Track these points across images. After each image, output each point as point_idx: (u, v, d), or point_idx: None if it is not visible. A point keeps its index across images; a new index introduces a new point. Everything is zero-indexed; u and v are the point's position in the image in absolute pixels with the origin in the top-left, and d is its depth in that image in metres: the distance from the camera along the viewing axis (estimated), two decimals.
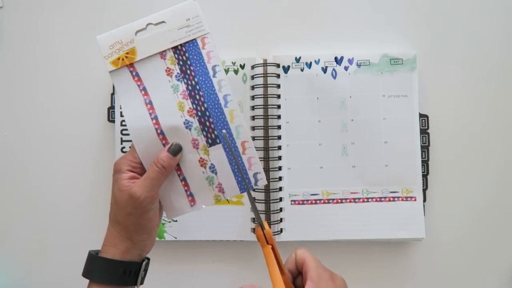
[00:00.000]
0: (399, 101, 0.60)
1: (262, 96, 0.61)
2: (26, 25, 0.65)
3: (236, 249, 0.63)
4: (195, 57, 0.43)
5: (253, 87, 0.61)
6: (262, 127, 0.61)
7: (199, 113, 0.43)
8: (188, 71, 0.43)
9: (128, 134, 0.61)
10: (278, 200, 0.60)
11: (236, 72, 0.61)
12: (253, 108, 0.61)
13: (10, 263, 0.65)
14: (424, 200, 0.61)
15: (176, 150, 0.43)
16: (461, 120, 0.63)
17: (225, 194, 0.44)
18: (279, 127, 0.61)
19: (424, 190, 0.61)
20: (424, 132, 0.61)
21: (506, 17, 0.63)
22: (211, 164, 0.44)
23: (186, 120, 0.43)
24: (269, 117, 0.61)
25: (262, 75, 0.61)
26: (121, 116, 0.61)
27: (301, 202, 0.60)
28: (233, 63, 0.61)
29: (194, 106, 0.43)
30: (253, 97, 0.61)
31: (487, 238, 0.62)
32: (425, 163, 0.61)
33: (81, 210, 0.64)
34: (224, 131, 0.43)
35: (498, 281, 0.62)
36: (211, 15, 0.63)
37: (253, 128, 0.61)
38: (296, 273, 0.43)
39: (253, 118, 0.61)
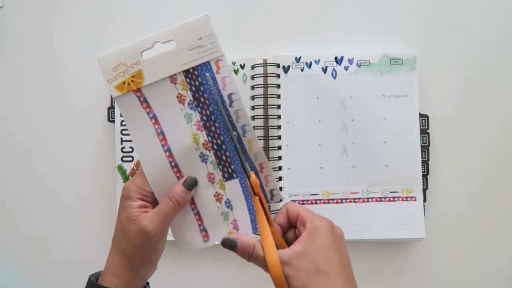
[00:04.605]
0: (399, 101, 0.60)
1: (262, 96, 0.61)
2: (26, 25, 0.65)
3: None
4: (208, 82, 0.39)
5: (253, 87, 0.61)
6: (262, 127, 0.61)
7: (215, 146, 0.40)
8: (202, 99, 0.40)
9: (128, 134, 0.61)
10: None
11: (236, 72, 0.61)
12: (253, 108, 0.61)
13: (10, 263, 0.65)
14: (424, 200, 0.61)
15: (191, 185, 0.40)
16: (461, 120, 0.63)
17: (240, 231, 0.41)
18: (279, 127, 0.61)
19: (424, 190, 0.61)
20: (424, 132, 0.61)
21: (506, 17, 0.63)
22: (227, 199, 0.41)
23: (201, 153, 0.40)
24: (269, 117, 0.61)
25: (262, 75, 0.61)
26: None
27: (301, 202, 0.60)
28: (233, 63, 0.61)
29: (210, 138, 0.40)
30: (253, 97, 0.61)
31: (487, 238, 0.62)
32: (425, 163, 0.61)
33: (81, 210, 0.64)
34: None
35: (498, 281, 0.62)
36: (210, 15, 0.64)
37: (253, 128, 0.61)
38: (286, 227, 0.42)
39: (253, 118, 0.61)
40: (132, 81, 0.39)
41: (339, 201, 0.60)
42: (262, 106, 0.61)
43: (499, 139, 0.62)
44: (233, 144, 0.40)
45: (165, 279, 0.63)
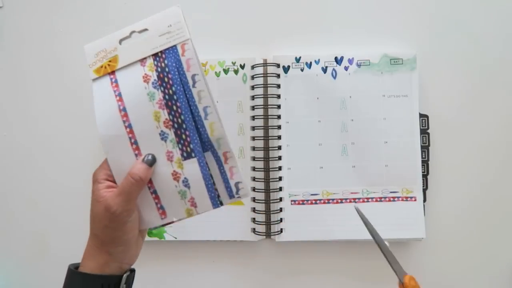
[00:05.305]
0: (399, 101, 0.60)
1: (262, 96, 0.61)
2: (26, 25, 0.65)
3: (236, 249, 0.63)
4: (173, 64, 0.41)
5: (253, 87, 0.61)
6: (262, 127, 0.61)
7: (176, 125, 0.42)
8: (166, 79, 0.41)
9: None
10: (278, 200, 0.60)
11: (236, 72, 0.61)
12: (253, 108, 0.61)
13: (10, 263, 0.65)
14: (424, 200, 0.61)
15: (151, 161, 0.41)
16: (461, 120, 0.63)
17: (198, 209, 0.43)
18: (279, 127, 0.61)
19: (424, 190, 0.61)
20: (424, 132, 0.61)
21: (506, 17, 0.63)
22: (184, 178, 0.42)
23: (161, 131, 0.42)
24: (269, 117, 0.61)
25: (262, 75, 0.61)
26: None
27: (301, 202, 0.60)
28: (233, 63, 0.61)
29: (171, 117, 0.41)
30: (253, 97, 0.61)
31: (487, 238, 0.62)
32: (425, 163, 0.61)
33: (80, 209, 0.64)
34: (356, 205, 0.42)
35: (498, 281, 0.62)
36: (211, 15, 0.64)
37: (253, 128, 0.61)
38: None
39: (253, 118, 0.61)
40: (109, 65, 0.43)
41: (339, 201, 0.60)
42: (262, 106, 0.61)
43: (499, 139, 0.62)
44: (194, 125, 0.42)
45: (165, 278, 0.63)
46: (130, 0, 0.64)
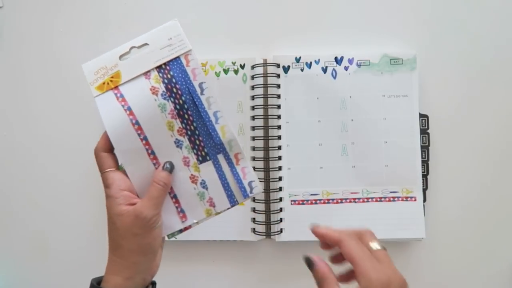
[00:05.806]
0: (399, 101, 0.61)
1: (262, 96, 0.61)
2: (26, 25, 0.65)
3: (236, 249, 0.63)
4: (180, 75, 0.43)
5: (253, 87, 0.61)
6: (262, 127, 0.61)
7: (189, 132, 0.44)
8: (174, 90, 0.43)
9: None
10: (278, 200, 0.60)
11: (236, 72, 0.61)
12: (253, 108, 0.61)
13: (10, 263, 0.65)
14: (424, 200, 0.61)
15: (170, 168, 0.43)
16: (461, 120, 0.63)
17: (216, 208, 0.45)
18: (279, 127, 0.61)
19: (424, 190, 0.61)
20: (424, 132, 0.61)
21: (505, 17, 0.63)
22: (202, 180, 0.44)
23: (176, 139, 0.44)
24: (269, 117, 0.61)
25: (262, 75, 0.61)
26: None
27: (301, 202, 0.60)
28: (233, 63, 0.61)
29: (184, 125, 0.43)
30: (253, 97, 0.61)
31: (487, 238, 0.62)
32: (425, 163, 0.61)
33: (80, 209, 0.64)
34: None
35: (498, 281, 0.62)
36: (211, 15, 0.64)
37: (253, 128, 0.61)
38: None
39: (253, 118, 0.61)
40: (111, 81, 0.44)
41: (339, 201, 0.60)
42: (262, 106, 0.61)
43: (499, 139, 0.62)
44: (206, 130, 0.44)
45: (165, 279, 0.63)
46: (130, 0, 0.64)
